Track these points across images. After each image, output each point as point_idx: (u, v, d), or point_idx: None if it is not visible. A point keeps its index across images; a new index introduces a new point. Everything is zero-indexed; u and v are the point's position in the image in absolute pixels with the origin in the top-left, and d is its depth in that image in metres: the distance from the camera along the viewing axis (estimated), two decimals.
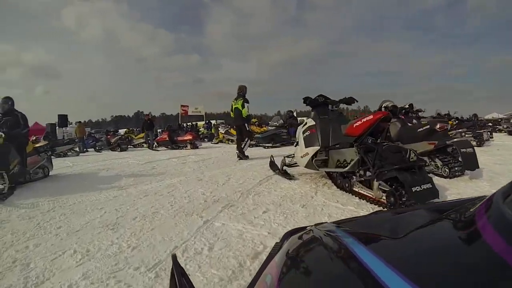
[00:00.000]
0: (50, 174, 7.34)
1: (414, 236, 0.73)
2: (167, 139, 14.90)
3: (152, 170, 7.18)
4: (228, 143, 16.05)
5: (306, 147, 4.88)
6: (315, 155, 4.75)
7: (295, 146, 5.58)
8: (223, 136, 16.85)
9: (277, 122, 14.94)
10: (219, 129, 18.50)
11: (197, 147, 14.05)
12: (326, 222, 1.02)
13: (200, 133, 20.76)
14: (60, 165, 9.88)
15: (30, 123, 19.48)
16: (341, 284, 0.61)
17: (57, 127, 21.73)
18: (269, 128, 14.91)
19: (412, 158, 3.61)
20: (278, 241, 1.14)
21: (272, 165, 6.23)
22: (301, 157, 4.98)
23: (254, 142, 13.56)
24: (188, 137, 14.44)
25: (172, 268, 0.80)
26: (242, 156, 8.37)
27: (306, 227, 1.04)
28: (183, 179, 5.64)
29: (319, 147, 4.67)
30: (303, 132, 5.05)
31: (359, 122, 4.09)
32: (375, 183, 3.63)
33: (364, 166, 3.91)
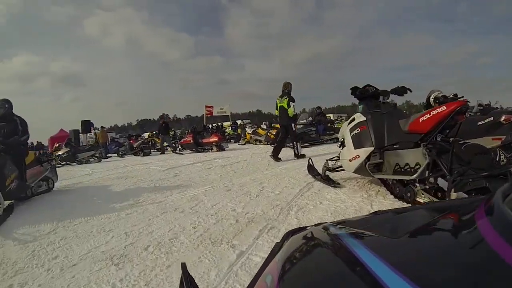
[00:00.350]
0: (65, 184, 6.81)
1: (414, 236, 0.72)
2: (192, 141, 14.13)
3: (174, 178, 6.42)
4: (256, 144, 15.24)
5: (356, 148, 4.06)
6: (368, 158, 3.89)
7: (340, 147, 4.74)
8: (251, 137, 15.98)
9: (305, 120, 13.96)
10: (246, 129, 17.70)
11: (223, 149, 13.28)
12: (326, 222, 1.00)
13: (226, 134, 19.97)
14: (79, 173, 9.48)
15: (56, 130, 19.18)
16: (341, 284, 0.60)
17: (80, 133, 21.54)
18: (297, 126, 13.86)
19: (502, 161, 2.76)
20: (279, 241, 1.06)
21: (311, 169, 5.38)
22: (350, 160, 4.15)
23: None
24: (213, 139, 13.66)
25: (181, 277, 0.79)
26: (298, 156, 7.94)
27: (306, 227, 1.01)
28: (209, 189, 4.83)
29: (373, 148, 3.84)
30: (351, 130, 4.24)
31: (428, 116, 3.26)
32: (454, 195, 2.72)
33: (435, 172, 3.06)
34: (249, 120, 33.99)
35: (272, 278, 0.72)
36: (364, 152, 3.90)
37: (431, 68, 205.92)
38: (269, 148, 12.32)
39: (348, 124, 4.41)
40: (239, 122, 27.36)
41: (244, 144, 16.56)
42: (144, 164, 10.02)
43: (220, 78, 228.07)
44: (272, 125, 15.06)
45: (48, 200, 5.19)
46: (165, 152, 15.26)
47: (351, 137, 4.17)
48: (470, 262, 0.54)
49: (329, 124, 14.87)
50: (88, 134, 22.05)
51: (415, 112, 4.31)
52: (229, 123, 28.22)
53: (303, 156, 7.97)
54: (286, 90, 8.02)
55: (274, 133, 13.70)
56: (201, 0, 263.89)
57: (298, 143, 8.23)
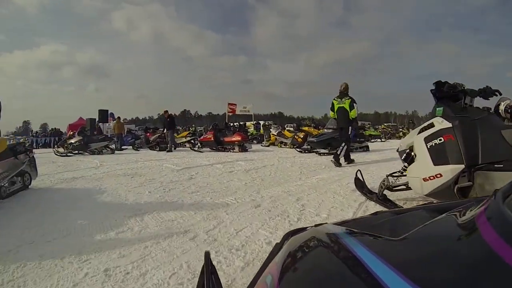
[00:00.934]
0: (64, 178, 5.97)
1: (414, 237, 0.69)
2: (212, 139, 13.00)
3: (188, 181, 5.33)
4: (281, 147, 14.20)
5: (436, 164, 2.98)
6: (455, 179, 2.88)
7: (404, 159, 3.60)
8: (276, 139, 14.88)
9: (334, 124, 12.73)
10: (271, 130, 16.58)
11: (246, 150, 12.19)
12: (326, 223, 0.99)
13: (249, 133, 18.83)
14: (87, 164, 8.74)
15: (75, 118, 18.53)
16: (341, 285, 0.58)
17: (98, 123, 20.81)
18: (325, 130, 12.59)
19: None
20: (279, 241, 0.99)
21: (360, 184, 4.23)
22: (425, 179, 3.07)
23: (308, 147, 11.56)
24: (236, 138, 12.52)
25: (203, 266, 0.80)
26: (336, 163, 7.24)
27: (307, 227, 1.00)
28: (231, 203, 3.71)
29: (463, 166, 2.81)
30: (427, 140, 3.14)
31: None
32: None
33: None
34: (271, 121, 32.98)
35: (272, 278, 0.70)
36: (451, 171, 2.86)
37: (456, 79, 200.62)
38: (296, 152, 11.26)
39: (420, 132, 3.32)
40: (261, 122, 26.41)
41: (268, 145, 15.50)
42: (158, 161, 9.05)
43: (243, 77, 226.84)
44: (300, 127, 13.92)
45: (28, 201, 4.12)
46: (185, 146, 14.34)
47: (428, 149, 3.09)
48: (470, 263, 0.53)
49: (359, 131, 13.58)
50: (108, 124, 21.46)
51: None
52: (251, 122, 27.31)
53: (340, 165, 7.23)
54: (345, 91, 7.51)
55: (302, 136, 12.63)
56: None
57: (343, 149, 7.47)
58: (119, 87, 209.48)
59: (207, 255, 0.84)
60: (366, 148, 12.35)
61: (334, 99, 7.58)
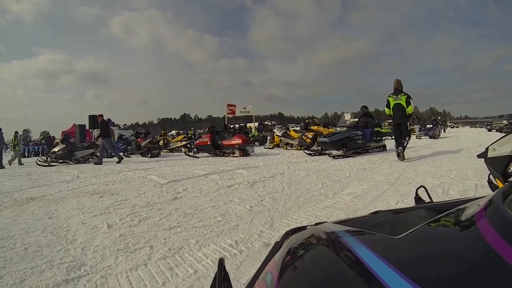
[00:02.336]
0: (24, 198, 4.80)
1: (414, 236, 0.65)
2: (209, 143, 11.48)
3: (171, 203, 3.88)
4: (287, 149, 12.63)
5: None
6: None
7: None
8: (280, 140, 13.37)
9: (349, 119, 11.24)
10: (275, 131, 15.06)
11: (248, 154, 10.71)
12: (326, 222, 0.94)
13: (250, 135, 17.22)
14: (61, 177, 7.50)
15: (69, 125, 16.99)
16: (341, 283, 0.56)
17: (89, 129, 19.34)
18: (338, 129, 10.96)
19: None
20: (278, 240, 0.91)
21: None
22: None
23: (318, 148, 10.12)
24: (237, 141, 10.97)
25: (216, 273, 0.74)
26: (403, 157, 7.59)
27: (307, 226, 0.94)
28: (230, 255, 2.26)
29: None
30: None
31: None
32: None
33: None
34: (274, 122, 31.74)
35: (271, 276, 0.68)
36: None
37: (456, 73, 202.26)
38: (305, 155, 9.80)
39: None
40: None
41: (272, 148, 13.88)
42: (144, 170, 7.67)
43: (243, 79, 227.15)
44: (308, 126, 12.40)
45: None
46: (181, 151, 13.03)
47: None
48: (470, 262, 0.51)
49: (376, 128, 11.88)
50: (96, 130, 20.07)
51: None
52: (252, 124, 25.94)
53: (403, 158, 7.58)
54: (400, 87, 7.73)
55: (311, 136, 11.19)
56: (226, 2, 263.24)
57: (408, 142, 7.94)
58: (119, 93, 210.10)
59: (221, 262, 0.75)
60: (383, 148, 10.86)
61: (389, 96, 7.76)
